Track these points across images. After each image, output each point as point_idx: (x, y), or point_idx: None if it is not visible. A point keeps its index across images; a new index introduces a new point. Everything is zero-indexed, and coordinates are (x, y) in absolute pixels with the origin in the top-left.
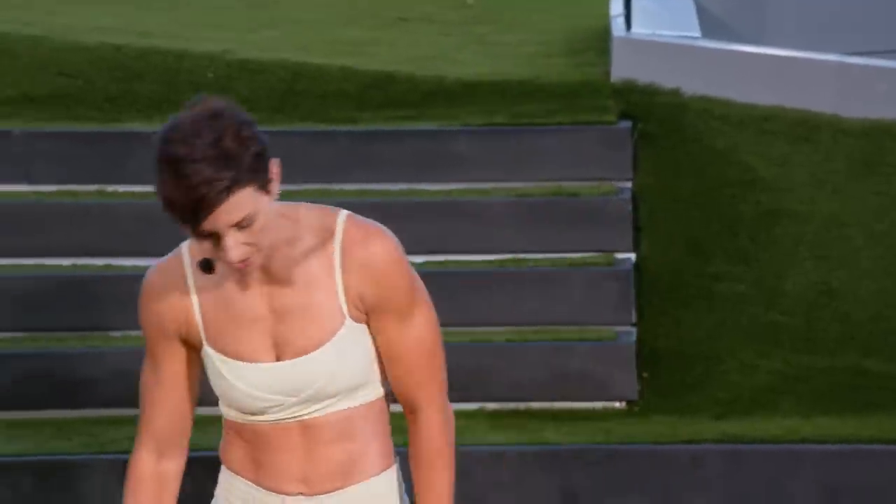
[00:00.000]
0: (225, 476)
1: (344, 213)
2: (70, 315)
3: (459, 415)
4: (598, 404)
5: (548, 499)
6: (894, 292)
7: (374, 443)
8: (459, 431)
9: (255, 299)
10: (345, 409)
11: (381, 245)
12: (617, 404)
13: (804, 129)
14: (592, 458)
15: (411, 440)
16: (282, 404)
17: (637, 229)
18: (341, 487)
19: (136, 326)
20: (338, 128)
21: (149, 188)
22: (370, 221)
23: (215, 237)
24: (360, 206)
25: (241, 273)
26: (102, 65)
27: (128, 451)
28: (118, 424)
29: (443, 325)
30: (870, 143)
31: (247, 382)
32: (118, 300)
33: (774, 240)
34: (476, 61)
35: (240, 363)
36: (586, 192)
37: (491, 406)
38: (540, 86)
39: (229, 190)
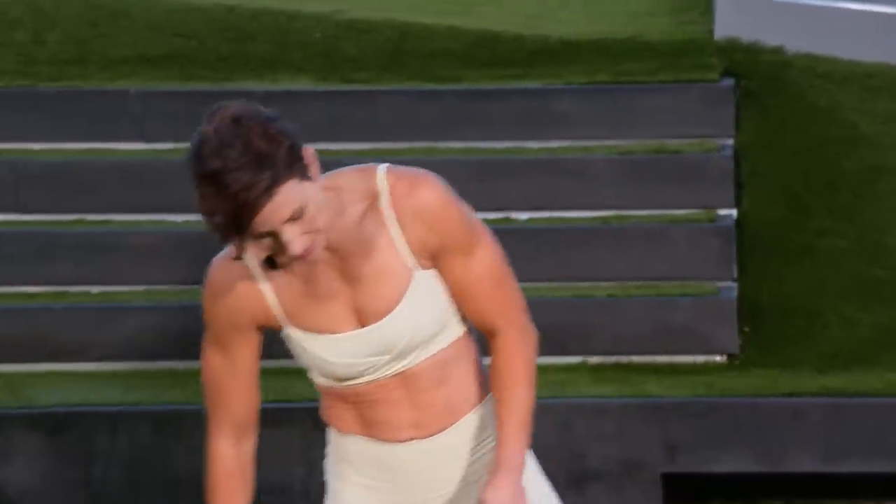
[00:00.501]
0: (334, 436)
1: (382, 168)
2: (183, 269)
3: (561, 369)
4: (700, 358)
5: (649, 450)
6: None
7: (469, 376)
8: (561, 385)
9: (326, 274)
10: (435, 354)
11: (429, 191)
12: (718, 358)
13: None
14: (693, 411)
15: (493, 361)
16: (374, 365)
17: (739, 186)
18: (452, 423)
19: None
20: (444, 86)
21: None
22: (411, 169)
23: (274, 236)
24: (466, 164)
25: (308, 262)
26: (215, 25)
27: None
28: None
29: (546, 279)
30: None
31: (337, 353)
32: None
33: (877, 195)
34: (579, 20)
35: (327, 336)
36: (688, 149)
37: (593, 360)
38: (643, 44)
39: (270, 189)
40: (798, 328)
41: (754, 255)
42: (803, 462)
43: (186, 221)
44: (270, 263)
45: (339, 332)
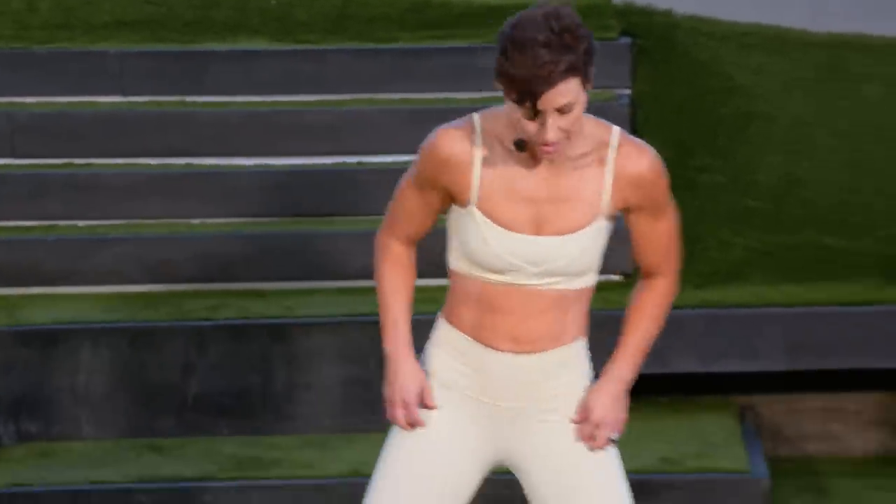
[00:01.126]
0: (445, 330)
1: (616, 129)
2: (156, 206)
3: None
4: (600, 278)
5: None
6: (850, 181)
7: (578, 319)
8: None
9: (532, 182)
10: (565, 289)
11: (650, 161)
12: (614, 277)
13: (777, 42)
14: (593, 322)
15: (640, 294)
16: (521, 269)
17: (634, 130)
18: (543, 350)
19: (214, 215)
20: (382, 46)
21: (221, 98)
22: (639, 140)
23: (541, 117)
24: (402, 113)
25: (545, 157)
26: None
27: (203, 319)
28: (197, 297)
29: None
30: (833, 54)
31: (502, 245)
32: (198, 193)
33: (749, 138)
34: None
35: (502, 229)
36: (593, 97)
37: None
38: None
39: (564, 74)
40: (682, 250)
41: None
42: (686, 363)
43: (160, 164)
44: (520, 146)
45: (515, 232)
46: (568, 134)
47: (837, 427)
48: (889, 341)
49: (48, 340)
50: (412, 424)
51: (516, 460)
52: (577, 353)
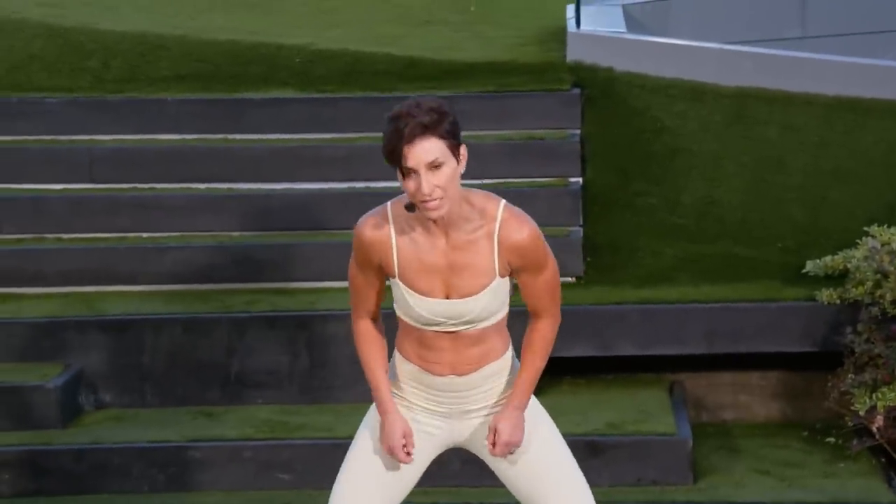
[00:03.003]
0: (398, 358)
1: (502, 203)
2: (204, 221)
3: None
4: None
5: (518, 344)
6: (754, 203)
7: (500, 340)
8: None
9: (436, 255)
10: (483, 328)
11: (528, 232)
12: (569, 279)
13: (695, 93)
14: None
15: (530, 333)
16: (442, 323)
17: (583, 161)
18: (477, 369)
19: (250, 228)
20: (385, 94)
21: (256, 136)
22: (520, 212)
23: (416, 176)
24: None
25: (430, 214)
26: (227, 54)
27: (242, 311)
28: (237, 294)
29: None
30: (739, 102)
31: (422, 307)
32: (237, 211)
33: (675, 168)
34: (475, 49)
35: (420, 296)
36: (549, 136)
37: None
38: (518, 65)
39: (423, 132)
40: (622, 258)
41: (594, 209)
42: (626, 348)
43: (207, 188)
44: (410, 209)
45: (431, 297)
46: (445, 191)
47: (746, 398)
48: (786, 330)
49: (119, 328)
50: (401, 460)
51: (472, 448)
52: (504, 363)
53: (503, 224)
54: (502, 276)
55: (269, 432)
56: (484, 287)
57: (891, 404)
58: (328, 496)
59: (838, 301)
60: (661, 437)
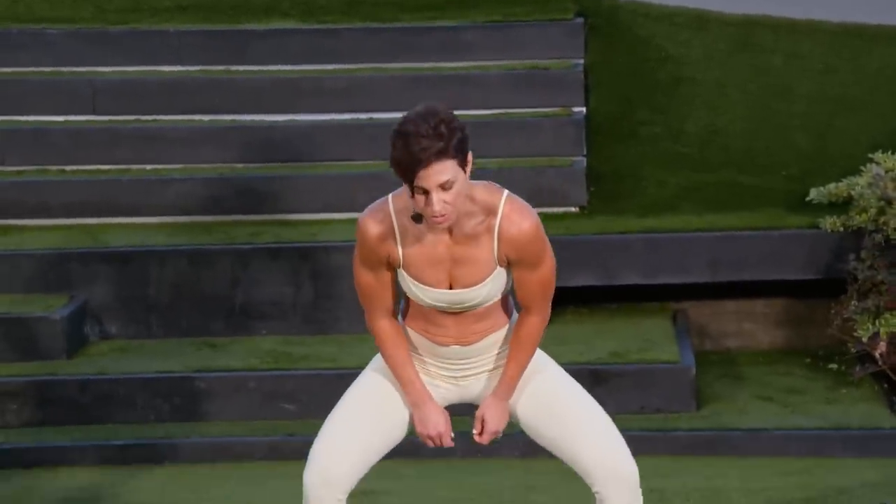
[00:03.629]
0: (407, 327)
1: (505, 194)
2: (207, 153)
3: None
4: (560, 209)
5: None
6: (758, 131)
7: (502, 313)
8: None
9: (440, 249)
10: (485, 307)
11: (528, 226)
12: (573, 209)
13: (700, 21)
14: (557, 245)
15: (518, 329)
16: (446, 308)
17: (587, 91)
18: (479, 340)
19: (253, 160)
20: (387, 25)
21: (258, 67)
22: (523, 204)
23: (427, 194)
24: (403, 79)
25: (437, 226)
26: None
27: (246, 243)
28: (240, 226)
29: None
30: (743, 30)
31: (428, 296)
32: (240, 143)
33: (679, 97)
34: None
35: (425, 286)
36: (553, 66)
37: None
38: None
39: (437, 156)
40: (626, 187)
41: (597, 138)
42: (630, 277)
43: (210, 120)
44: (417, 219)
45: (435, 288)
46: (454, 206)
47: (749, 326)
48: (790, 258)
49: (124, 260)
50: (446, 445)
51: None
52: (506, 330)
53: (504, 218)
54: (503, 266)
55: (273, 363)
56: (486, 277)
57: (893, 330)
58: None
59: (842, 228)
60: (664, 365)
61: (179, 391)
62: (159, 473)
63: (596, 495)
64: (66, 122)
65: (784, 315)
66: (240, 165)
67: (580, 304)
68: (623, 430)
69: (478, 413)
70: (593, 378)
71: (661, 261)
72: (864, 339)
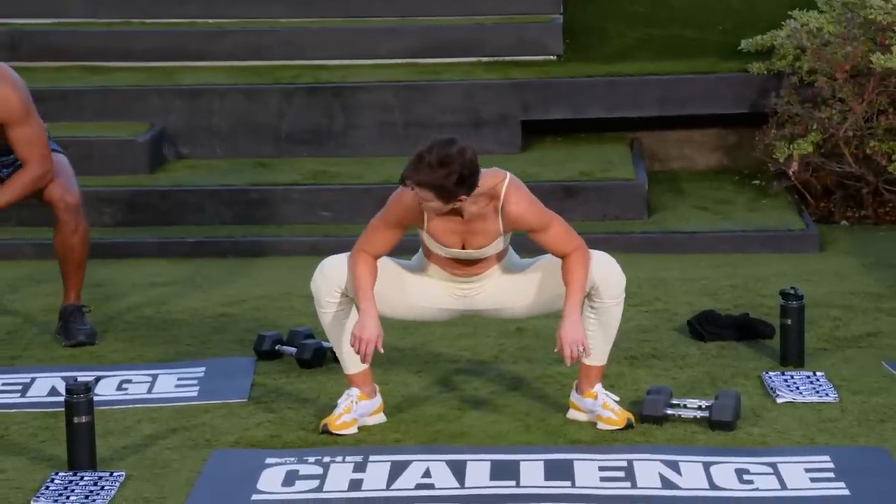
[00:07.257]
0: (422, 260)
1: (507, 179)
2: (258, 8)
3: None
4: (541, 57)
5: (513, 108)
6: None
7: (495, 258)
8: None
9: (455, 222)
10: (491, 255)
11: (525, 206)
12: (552, 57)
13: None
14: (538, 85)
15: (568, 266)
16: (458, 258)
17: None
18: (485, 271)
19: (294, 15)
20: None
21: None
22: (519, 186)
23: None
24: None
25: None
26: None
27: (289, 83)
28: (285, 69)
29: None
30: None
31: (444, 252)
32: (287, 2)
33: None
34: None
35: (442, 246)
36: None
37: (484, 60)
38: None
39: (420, 184)
40: (594, 40)
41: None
42: (596, 111)
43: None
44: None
45: (451, 247)
46: (433, 209)
47: (690, 151)
48: (723, 96)
49: (193, 95)
50: (364, 357)
51: (485, 305)
52: (498, 266)
53: (505, 202)
54: (505, 234)
55: (312, 179)
56: (492, 241)
57: (803, 153)
58: (360, 228)
59: (766, 72)
60: (622, 182)
61: (238, 200)
62: (222, 264)
63: (593, 292)
64: None
65: (718, 142)
66: (283, 20)
67: (556, 135)
68: (588, 234)
69: (556, 334)
70: (566, 192)
71: (621, 98)
72: (781, 160)
